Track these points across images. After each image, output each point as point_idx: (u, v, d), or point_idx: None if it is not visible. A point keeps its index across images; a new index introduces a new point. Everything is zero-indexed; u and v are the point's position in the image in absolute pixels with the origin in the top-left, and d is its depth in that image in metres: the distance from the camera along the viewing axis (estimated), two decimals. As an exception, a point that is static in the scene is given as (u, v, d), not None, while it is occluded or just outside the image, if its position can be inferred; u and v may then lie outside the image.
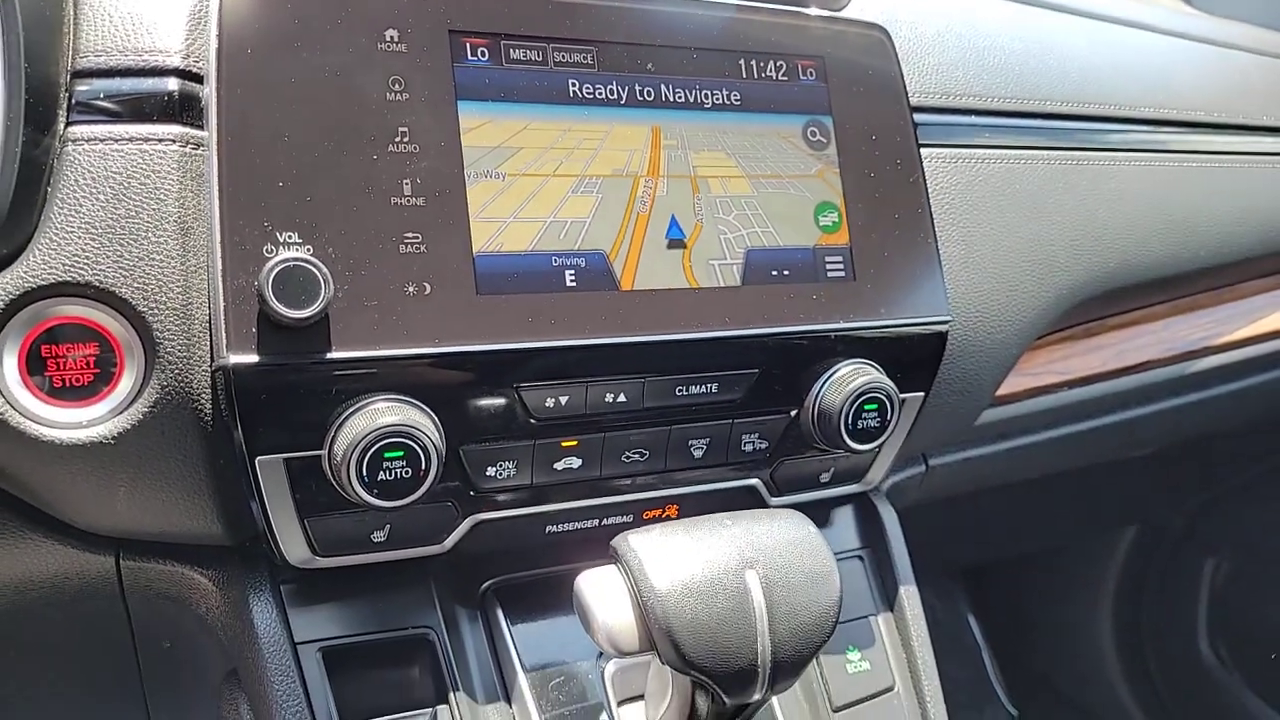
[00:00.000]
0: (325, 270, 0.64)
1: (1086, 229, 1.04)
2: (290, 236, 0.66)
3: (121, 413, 0.67)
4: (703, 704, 0.68)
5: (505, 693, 0.81)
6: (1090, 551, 2.25)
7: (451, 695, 0.78)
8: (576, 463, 0.79)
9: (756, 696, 0.66)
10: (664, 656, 0.64)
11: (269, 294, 0.63)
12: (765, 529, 0.69)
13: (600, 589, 0.66)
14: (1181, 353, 1.19)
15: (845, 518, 0.99)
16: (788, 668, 0.66)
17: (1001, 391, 1.06)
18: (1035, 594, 2.43)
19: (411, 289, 0.70)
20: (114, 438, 0.67)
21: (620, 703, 0.83)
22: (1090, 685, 2.30)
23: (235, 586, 0.78)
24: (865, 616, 0.94)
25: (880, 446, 0.90)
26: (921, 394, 0.91)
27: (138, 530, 0.74)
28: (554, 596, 0.85)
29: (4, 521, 0.74)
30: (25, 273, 0.64)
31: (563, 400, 0.76)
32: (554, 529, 0.84)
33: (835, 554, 0.93)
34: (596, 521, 0.84)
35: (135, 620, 0.87)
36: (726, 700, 0.66)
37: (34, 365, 0.66)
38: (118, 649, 0.92)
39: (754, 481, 0.88)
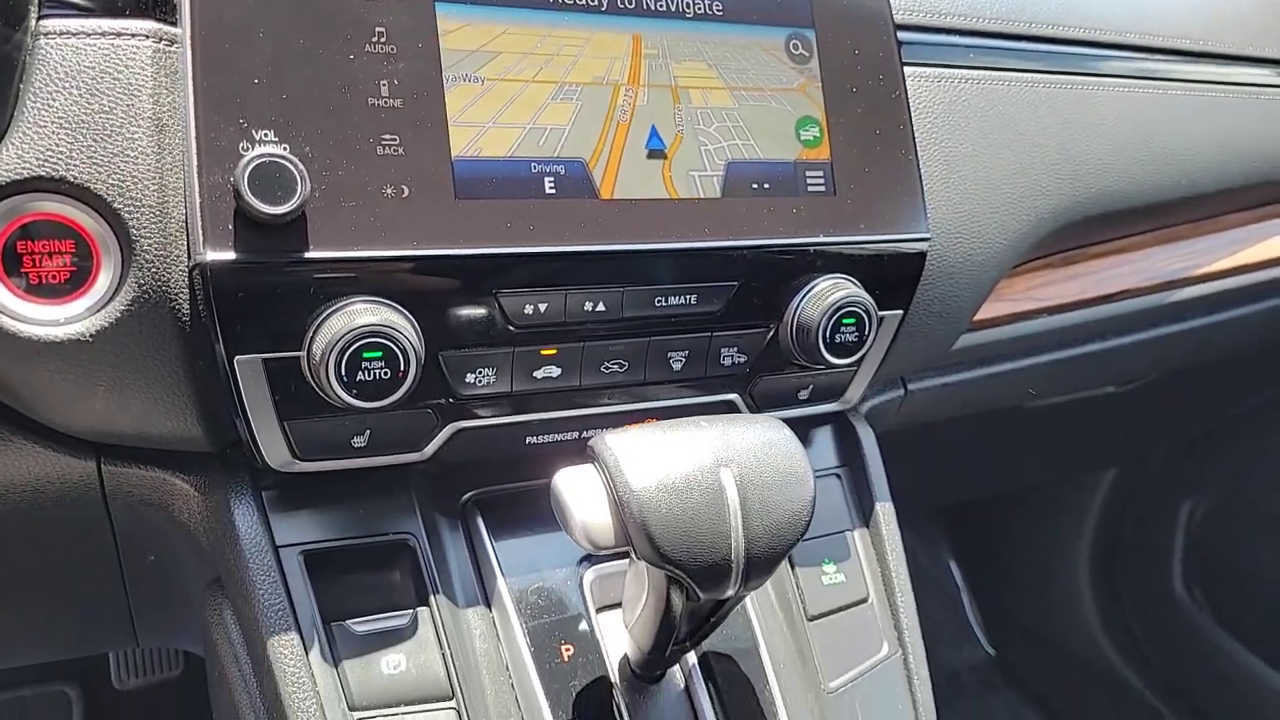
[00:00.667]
0: (302, 168, 0.64)
1: (1069, 153, 1.04)
2: (266, 134, 0.66)
3: (99, 311, 0.67)
4: (678, 601, 0.69)
5: (485, 598, 0.82)
6: (1070, 495, 2.28)
7: (432, 598, 0.79)
8: (556, 371, 0.80)
9: (730, 592, 0.67)
10: (640, 552, 0.65)
11: (245, 190, 0.63)
12: (741, 431, 0.70)
13: (577, 487, 0.67)
14: (1161, 282, 1.20)
15: (824, 437, 1.00)
16: (761, 564, 0.67)
17: (980, 316, 1.06)
18: (1014, 537, 2.47)
19: (389, 191, 0.70)
20: (91, 336, 0.67)
21: (599, 609, 0.84)
22: (1066, 626, 2.34)
23: (216, 491, 0.78)
24: (841, 532, 0.96)
25: (858, 363, 0.91)
26: (900, 312, 0.91)
27: (117, 432, 0.74)
28: (533, 508, 0.86)
29: None
30: (1, 167, 0.63)
31: (542, 308, 0.76)
32: (533, 440, 0.85)
33: (814, 472, 0.96)
34: (576, 434, 0.85)
35: (119, 532, 0.88)
36: (701, 595, 0.67)
37: (10, 263, 0.65)
38: (102, 562, 0.93)
39: (733, 397, 0.89)
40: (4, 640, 1.13)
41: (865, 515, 0.98)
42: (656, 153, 0.79)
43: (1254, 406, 1.92)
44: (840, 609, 0.91)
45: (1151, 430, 1.97)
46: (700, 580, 0.66)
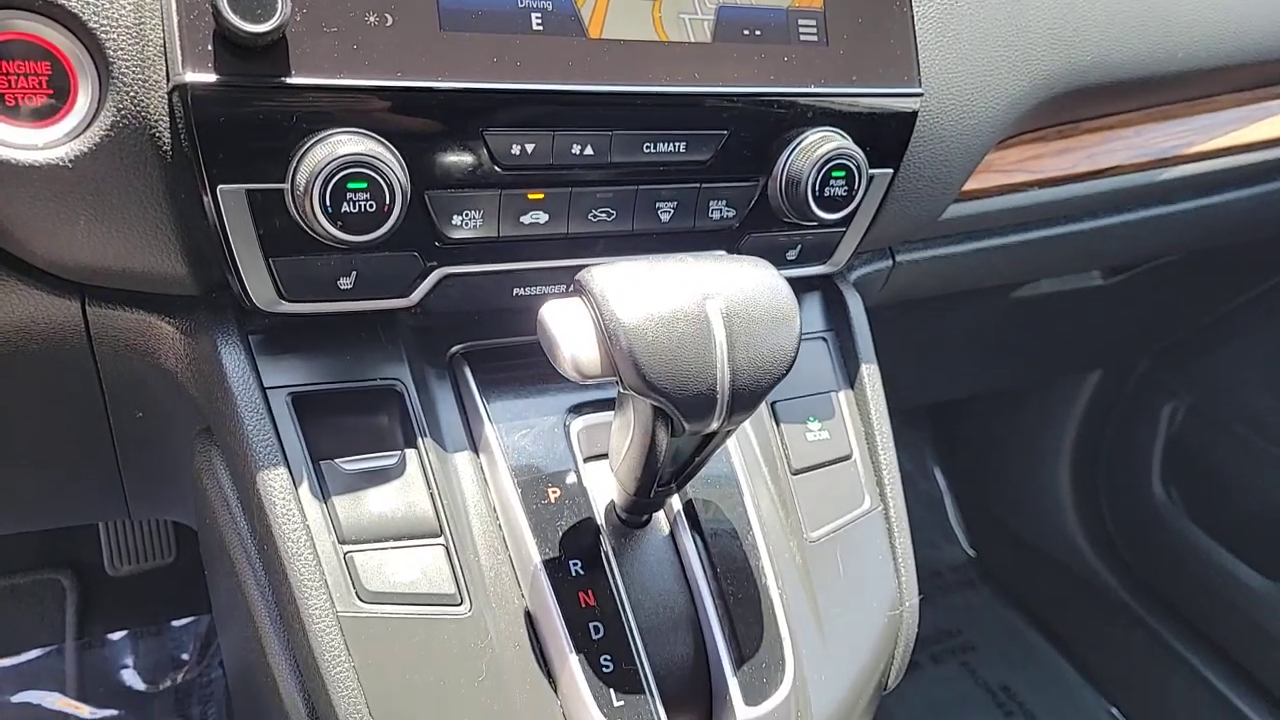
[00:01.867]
0: None
1: (1066, 19, 1.02)
2: None
3: (78, 136, 0.66)
4: (663, 438, 0.70)
5: (473, 444, 0.82)
6: (1054, 400, 2.31)
7: (420, 441, 0.79)
8: (543, 217, 0.80)
9: (715, 425, 0.68)
10: (626, 381, 0.66)
11: (225, 8, 0.62)
12: (729, 268, 0.70)
13: (564, 318, 0.67)
14: (1153, 159, 1.19)
15: (813, 302, 1.00)
16: (745, 396, 0.67)
17: (970, 187, 1.06)
18: (998, 442, 2.50)
19: (372, 18, 0.68)
20: (71, 161, 0.66)
21: (586, 459, 0.85)
22: (1046, 527, 2.39)
23: (203, 334, 0.78)
24: (827, 392, 0.96)
25: (847, 221, 0.91)
26: (890, 171, 0.91)
27: (102, 268, 0.74)
28: (521, 362, 0.87)
29: None
30: (-30, -19, 0.62)
31: (529, 148, 0.75)
32: (521, 292, 0.85)
33: (801, 335, 0.96)
34: (564, 286, 0.85)
35: (106, 385, 0.88)
36: (686, 427, 0.68)
37: (-14, 83, 0.64)
38: (91, 421, 0.93)
39: (720, 253, 0.88)
40: (-8, 507, 1.14)
41: (850, 377, 0.98)
42: (646, -8, 0.77)
43: (1238, 307, 1.93)
44: (823, 464, 0.92)
45: (1136, 332, 1.98)
46: (686, 411, 0.67)
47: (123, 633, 1.89)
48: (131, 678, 1.87)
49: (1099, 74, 1.07)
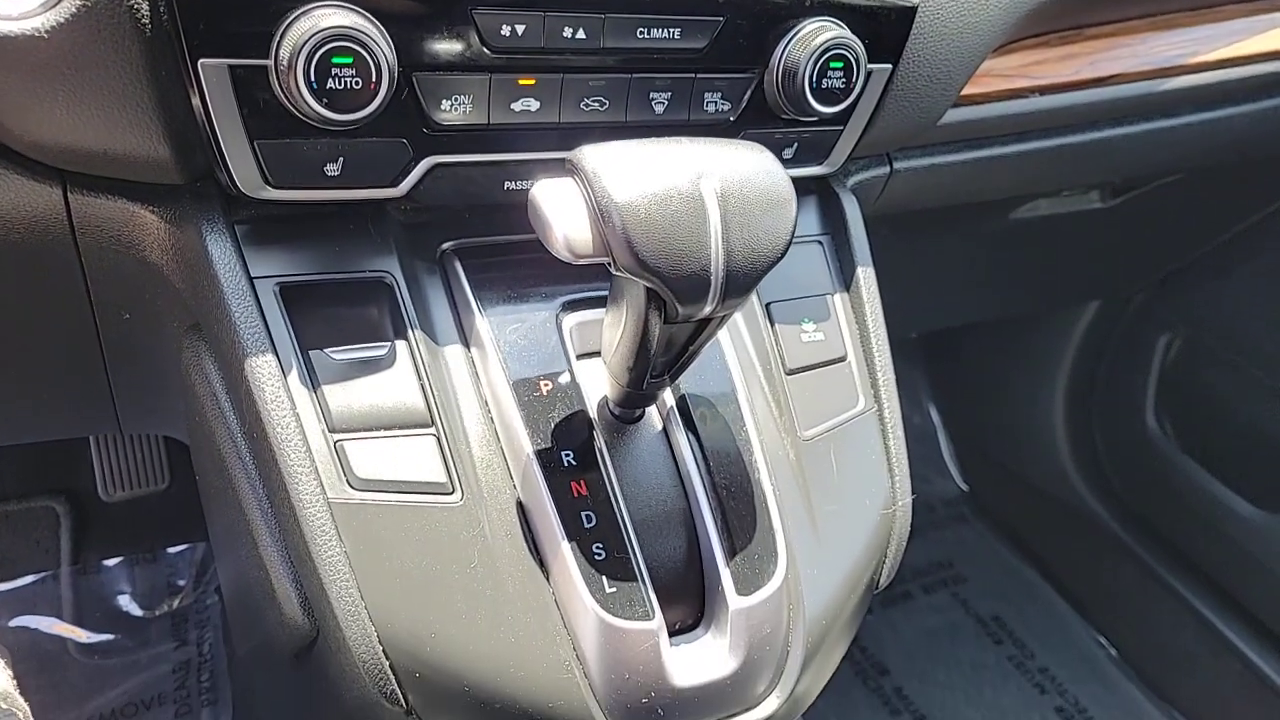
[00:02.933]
0: None
1: (1069, -84, 1.00)
2: None
3: (53, 6, 0.64)
4: (655, 324, 0.69)
5: (464, 337, 0.81)
6: (1049, 332, 2.30)
7: (410, 333, 0.79)
8: (534, 104, 0.78)
9: (708, 308, 0.67)
10: (619, 260, 0.65)
11: None
12: (723, 149, 0.68)
13: (556, 197, 0.66)
14: (1155, 68, 1.17)
15: (809, 205, 0.99)
16: (740, 278, 0.66)
17: (971, 91, 1.04)
18: (992, 376, 2.51)
19: (358, -114, 0.66)
20: (47, 31, 0.64)
21: (579, 357, 0.84)
22: (1038, 461, 2.40)
23: (188, 223, 0.77)
24: (822, 295, 0.95)
25: (845, 117, 0.89)
26: (888, 66, 0.89)
27: (81, 148, 0.72)
28: (513, 259, 0.85)
29: None
30: None
31: (519, 29, 0.74)
32: (512, 185, 0.83)
33: (798, 237, 0.95)
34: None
35: (92, 284, 0.87)
36: (680, 310, 0.67)
37: (-43, -53, 0.62)
38: (78, 326, 0.92)
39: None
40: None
41: (846, 280, 0.97)
42: None
43: (1235, 236, 1.92)
44: (818, 365, 0.92)
45: (1134, 260, 1.97)
46: (679, 293, 0.66)
47: (118, 559, 1.89)
48: (128, 603, 1.88)
49: (1103, -25, 1.04)
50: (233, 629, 1.05)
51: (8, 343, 0.99)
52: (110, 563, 1.89)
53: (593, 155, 0.66)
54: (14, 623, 1.80)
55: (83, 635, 1.83)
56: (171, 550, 1.93)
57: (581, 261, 0.66)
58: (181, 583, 1.92)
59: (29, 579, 1.83)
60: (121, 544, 1.89)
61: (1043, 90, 1.10)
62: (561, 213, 0.66)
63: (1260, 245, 1.93)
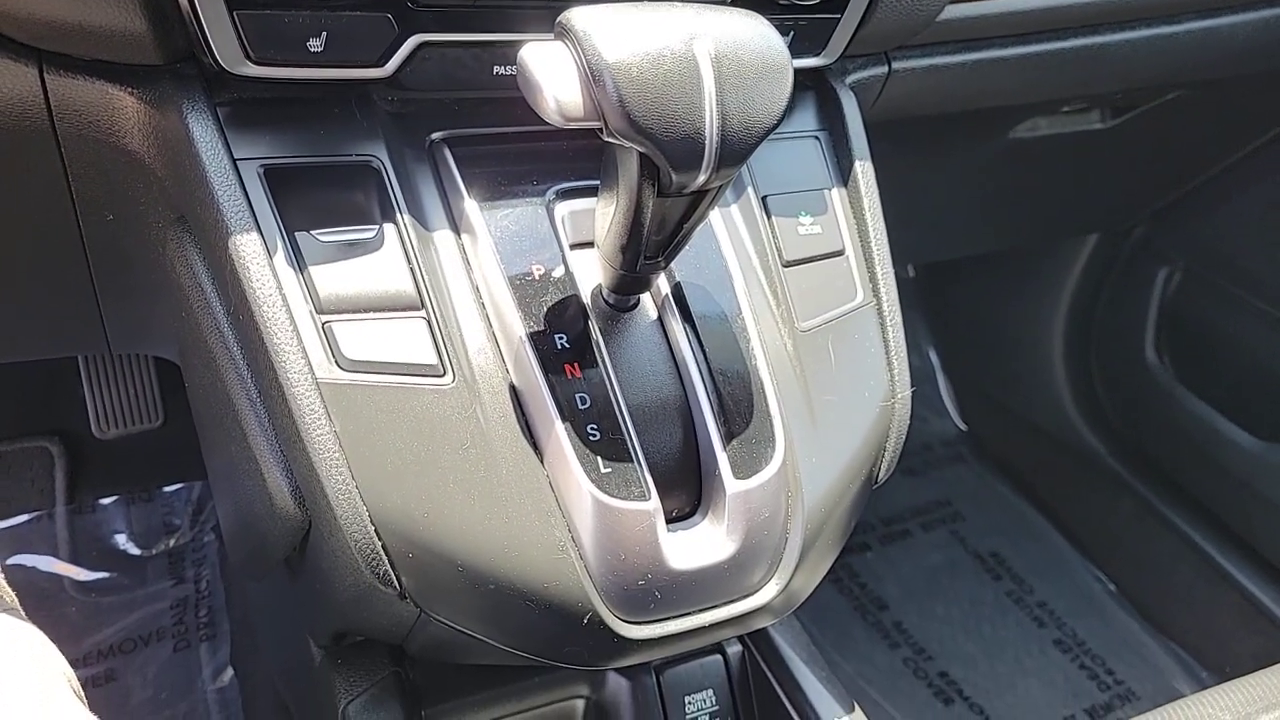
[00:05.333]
0: None
1: None
2: None
3: None
4: (649, 197, 0.67)
5: (453, 223, 0.80)
6: (1048, 268, 2.29)
7: (398, 218, 0.77)
8: (523, -19, 0.76)
9: (703, 177, 0.65)
10: (611, 123, 0.63)
11: None
12: (718, 14, 0.67)
13: (546, 59, 0.64)
14: (1157, -32, 1.15)
15: (807, 101, 0.97)
16: (734, 143, 0.65)
17: (971, -13, 1.02)
18: (990, 314, 2.50)
19: None
20: (16, -114, 0.62)
21: (572, 246, 0.82)
22: (1037, 398, 2.40)
23: (168, 105, 0.75)
24: (819, 189, 0.94)
25: (840, 5, 0.88)
26: (886, -52, 0.87)
27: (54, 19, 0.70)
28: (503, 149, 0.84)
29: None
30: None
31: None
32: (501, 71, 0.81)
33: (793, 132, 0.93)
34: None
35: (74, 180, 0.85)
36: (674, 177, 0.65)
37: None
38: (60, 226, 0.91)
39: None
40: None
41: (844, 176, 0.96)
42: None
43: (1233, 164, 1.90)
44: (816, 258, 0.90)
45: (1134, 187, 1.95)
46: (673, 157, 0.64)
47: (114, 498, 1.89)
48: (124, 542, 1.88)
49: None
50: (228, 545, 1.04)
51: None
52: (106, 501, 1.89)
53: (583, 16, 0.64)
54: (10, 561, 1.79)
55: (80, 573, 1.83)
56: (168, 490, 1.92)
57: (572, 125, 0.64)
58: (178, 522, 1.91)
59: (24, 517, 1.83)
60: (117, 482, 1.88)
61: (1044, -13, 1.08)
62: (551, 75, 0.64)
63: (1259, 174, 1.91)
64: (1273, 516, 1.99)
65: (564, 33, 0.65)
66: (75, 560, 1.83)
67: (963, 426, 2.58)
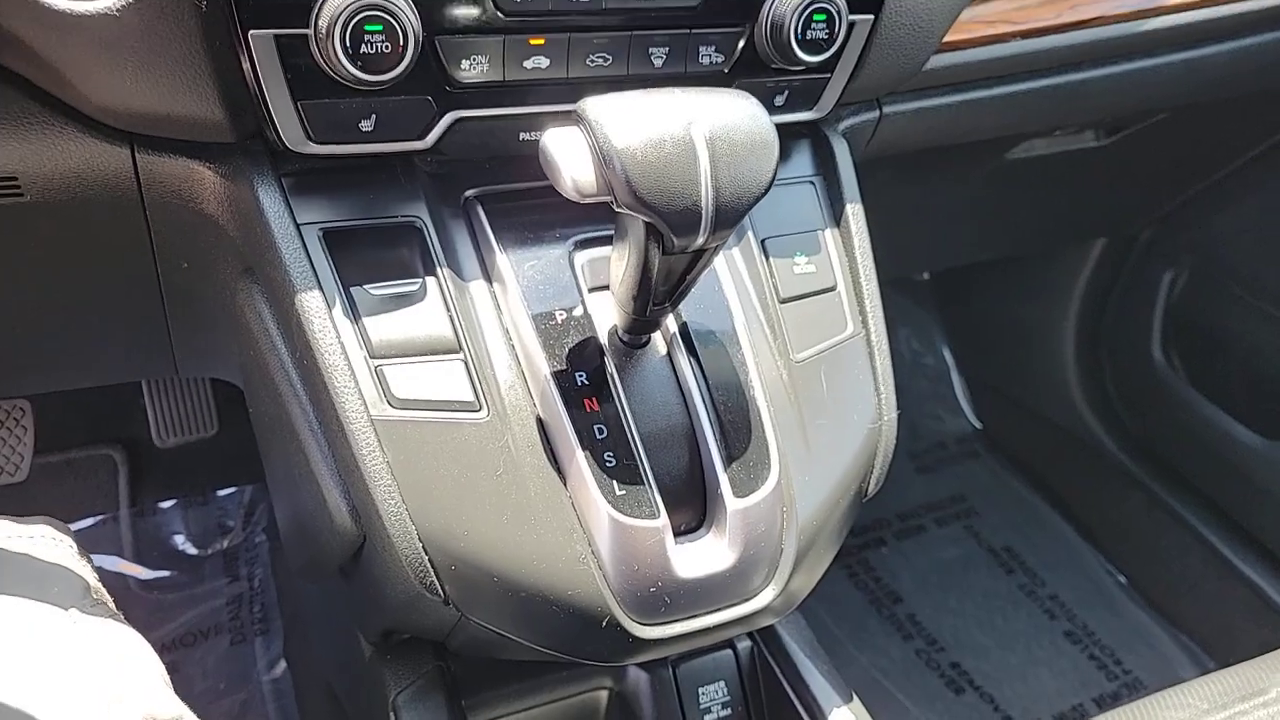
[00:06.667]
0: None
1: None
2: None
3: (122, -13, 0.74)
4: (655, 255, 0.78)
5: (487, 273, 0.91)
6: (1058, 270, 2.36)
7: (439, 271, 0.88)
8: (545, 62, 0.86)
9: (700, 240, 0.76)
10: (620, 198, 0.73)
11: None
12: (712, 97, 0.77)
13: (564, 144, 0.75)
14: (1134, 10, 1.23)
15: (802, 148, 1.07)
16: (728, 211, 0.75)
17: (955, 37, 1.11)
18: (1004, 315, 2.57)
19: (382, -128, 0.74)
20: (118, 10, 0.74)
21: (590, 290, 0.93)
22: (1049, 396, 2.47)
23: (241, 177, 0.86)
24: (814, 230, 1.04)
25: (831, 65, 0.97)
26: (870, 17, 0.96)
27: (147, 112, 0.81)
28: (529, 204, 0.94)
29: (30, 111, 0.82)
30: None
31: None
32: (527, 136, 0.92)
33: (789, 179, 1.03)
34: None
35: (155, 236, 0.96)
36: (675, 242, 0.75)
37: (37, -61, 0.71)
38: (140, 275, 1.02)
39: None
40: (52, 363, 1.25)
41: (837, 217, 1.05)
42: None
43: (1233, 171, 1.97)
44: (809, 294, 1.00)
45: (1135, 197, 2.03)
46: (675, 225, 0.74)
47: (172, 501, 2.03)
48: (183, 543, 2.02)
49: (1078, -77, 1.11)
50: (286, 549, 1.16)
51: (78, 294, 1.09)
52: (165, 505, 2.02)
53: (595, 106, 0.75)
54: (81, 561, 1.93)
55: (142, 572, 1.97)
56: (221, 493, 2.06)
57: (588, 200, 0.75)
58: (231, 523, 2.05)
59: (91, 521, 1.97)
60: (175, 487, 2.02)
61: (1024, 34, 1.17)
62: (569, 158, 0.74)
63: (1259, 180, 1.98)
64: (1277, 511, 2.06)
65: (580, 119, 0.75)
66: (138, 560, 1.97)
67: (977, 424, 2.66)
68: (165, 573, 1.97)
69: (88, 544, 1.84)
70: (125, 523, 1.98)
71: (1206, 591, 2.20)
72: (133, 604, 1.92)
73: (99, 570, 1.83)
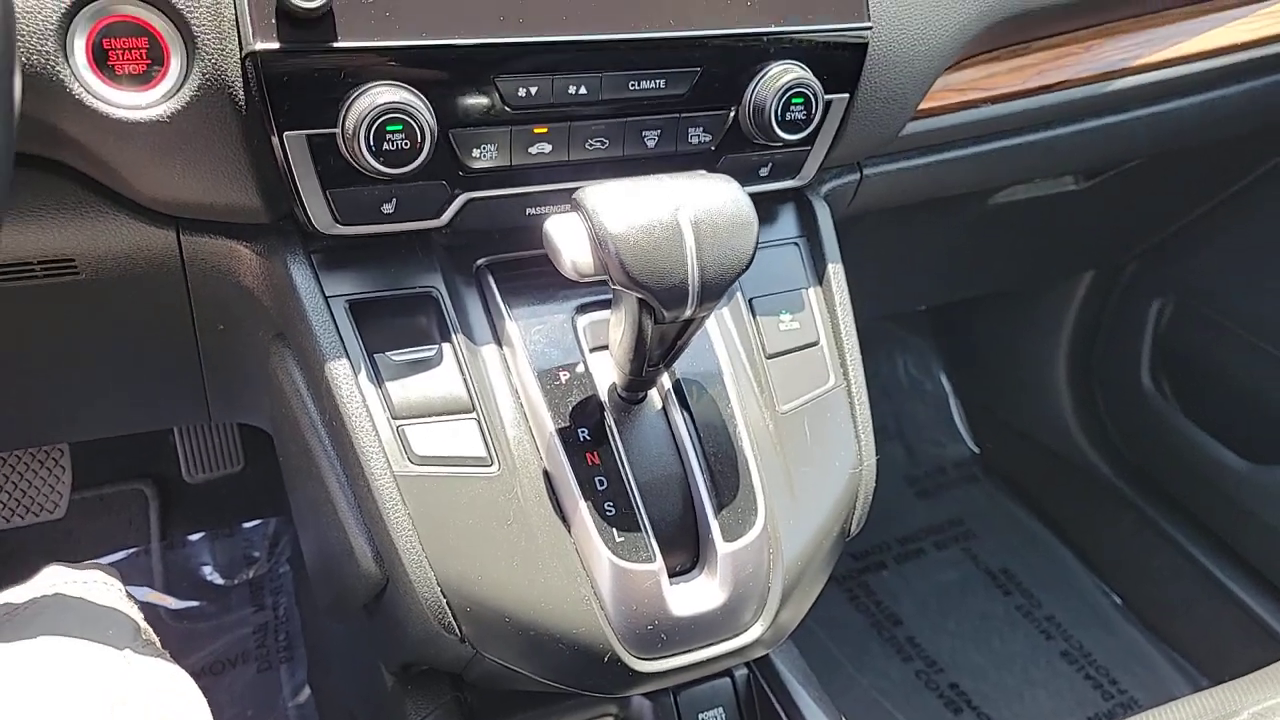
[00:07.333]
0: None
1: (1008, -49, 1.15)
2: None
3: (172, 97, 0.83)
4: (648, 324, 0.86)
5: (497, 338, 1.00)
6: (1050, 301, 2.44)
7: (454, 336, 0.97)
8: (547, 148, 0.95)
9: (689, 313, 0.84)
10: (615, 279, 0.82)
11: None
12: (697, 184, 0.85)
13: (565, 229, 0.84)
14: (1101, 72, 1.31)
15: (787, 212, 1.16)
16: (712, 287, 0.83)
17: (927, 105, 1.19)
18: (999, 343, 2.65)
19: (400, -10, 0.84)
20: (168, 117, 0.83)
21: (591, 350, 1.02)
22: (1044, 421, 2.54)
23: (275, 255, 0.95)
24: (797, 289, 1.12)
25: (810, 140, 1.06)
26: (846, 95, 1.05)
27: (192, 201, 0.91)
28: (535, 271, 1.03)
29: (87, 201, 0.91)
30: (84, -25, 0.78)
31: (533, 90, 0.91)
32: (533, 211, 1.01)
33: (775, 241, 1.12)
34: (568, 205, 1.01)
35: (195, 305, 1.05)
36: (666, 315, 0.84)
37: (99, 56, 0.81)
38: (180, 336, 1.11)
39: (701, 173, 1.04)
40: (96, 413, 1.34)
41: (819, 276, 1.14)
42: (627, -46, 0.92)
43: (1215, 207, 2.05)
44: (794, 349, 1.09)
45: (1119, 234, 2.10)
46: (664, 301, 0.83)
47: (200, 534, 2.12)
48: (210, 574, 2.11)
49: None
50: (314, 588, 1.25)
51: (122, 353, 1.19)
52: (194, 537, 2.11)
53: (593, 195, 0.83)
54: (113, 593, 2.02)
55: (172, 603, 2.06)
56: (247, 525, 2.15)
57: (585, 280, 0.84)
58: (257, 554, 2.14)
59: (124, 553, 2.06)
60: (203, 521, 2.11)
61: (995, 100, 1.26)
62: (569, 242, 0.83)
63: (1239, 216, 2.06)
64: (1263, 533, 2.12)
65: (578, 206, 0.84)
66: (168, 590, 2.06)
67: (975, 449, 2.73)
68: (194, 603, 2.06)
69: (121, 576, 1.93)
70: (156, 555, 2.07)
71: (1199, 611, 2.26)
72: (164, 633, 1.99)
73: (131, 600, 1.92)
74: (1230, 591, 2.21)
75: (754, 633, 0.99)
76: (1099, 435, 2.47)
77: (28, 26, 0.77)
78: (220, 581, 2.10)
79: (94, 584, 0.99)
